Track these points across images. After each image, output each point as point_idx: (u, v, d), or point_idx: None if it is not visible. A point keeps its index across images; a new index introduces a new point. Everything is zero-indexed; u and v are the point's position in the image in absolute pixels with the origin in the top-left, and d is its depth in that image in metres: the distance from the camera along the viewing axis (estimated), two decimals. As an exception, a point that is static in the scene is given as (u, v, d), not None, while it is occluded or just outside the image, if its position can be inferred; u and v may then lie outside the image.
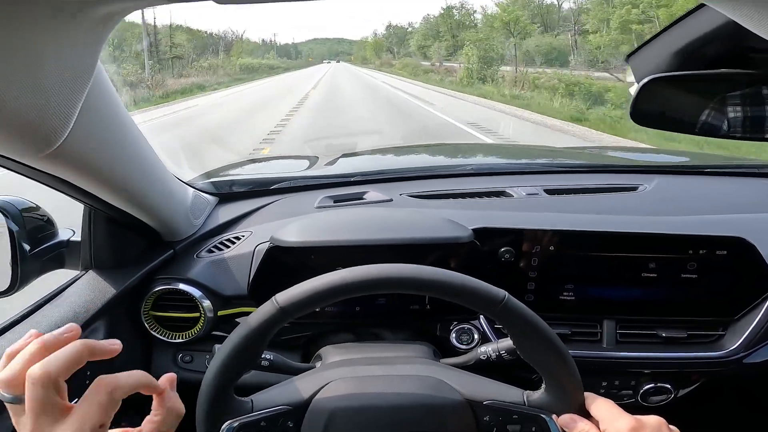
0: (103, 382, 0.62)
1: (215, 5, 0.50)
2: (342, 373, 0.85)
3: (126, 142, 0.86)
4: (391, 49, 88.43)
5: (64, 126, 0.61)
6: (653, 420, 0.70)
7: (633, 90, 0.73)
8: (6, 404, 0.60)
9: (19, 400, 0.58)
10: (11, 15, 0.46)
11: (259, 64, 61.11)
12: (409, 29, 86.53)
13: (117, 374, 0.62)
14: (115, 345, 0.64)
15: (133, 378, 0.63)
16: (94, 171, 0.80)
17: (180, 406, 0.69)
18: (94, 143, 0.75)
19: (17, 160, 0.68)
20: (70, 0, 0.49)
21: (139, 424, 0.68)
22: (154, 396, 0.67)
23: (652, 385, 1.19)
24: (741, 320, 1.16)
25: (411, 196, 1.41)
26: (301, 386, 0.83)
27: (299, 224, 1.18)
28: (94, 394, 0.61)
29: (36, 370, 0.57)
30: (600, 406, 0.75)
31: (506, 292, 0.74)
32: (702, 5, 0.66)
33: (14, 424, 0.60)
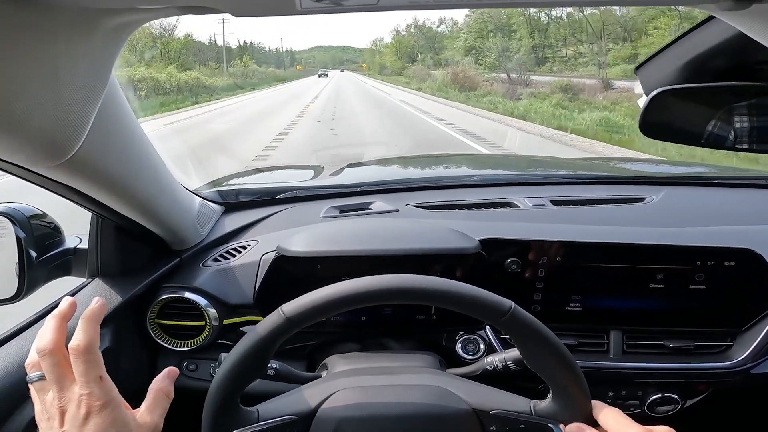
0: None
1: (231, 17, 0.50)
2: (348, 383, 0.85)
3: (136, 152, 0.87)
4: (413, 55, 72.52)
5: (77, 136, 0.62)
6: (662, 430, 0.70)
7: (642, 102, 0.73)
8: (31, 386, 0.65)
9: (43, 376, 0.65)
10: (27, 27, 0.47)
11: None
12: (441, 28, 71.25)
13: None
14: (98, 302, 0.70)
15: None
16: (104, 180, 0.81)
17: (169, 389, 0.73)
18: (106, 153, 0.76)
19: (30, 168, 0.68)
20: (85, 12, 0.50)
21: None
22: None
23: (659, 395, 1.19)
24: (749, 331, 1.16)
25: (417, 207, 1.41)
26: (307, 396, 0.83)
27: (305, 234, 1.18)
28: None
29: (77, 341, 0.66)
30: (608, 415, 0.74)
31: (513, 302, 0.74)
32: (711, 18, 0.66)
33: (40, 408, 0.65)
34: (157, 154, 0.98)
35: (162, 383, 0.73)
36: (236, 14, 0.50)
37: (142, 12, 0.54)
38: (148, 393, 0.72)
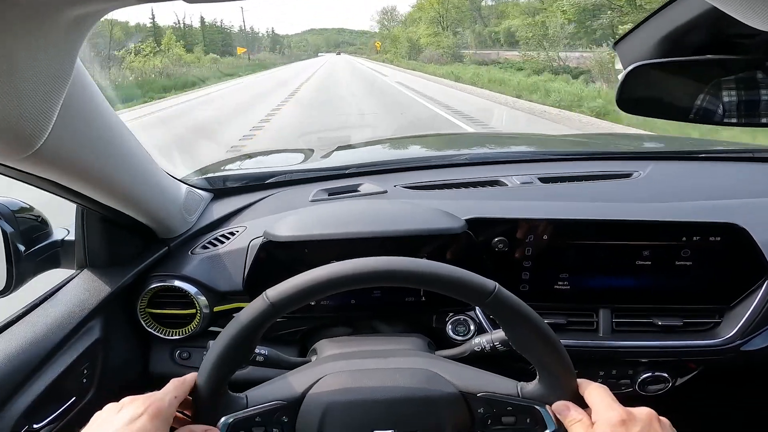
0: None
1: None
2: (336, 367, 0.86)
3: (113, 141, 0.86)
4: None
5: (42, 128, 0.61)
6: (644, 412, 0.70)
7: (620, 77, 0.73)
8: None
9: None
10: None
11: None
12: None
13: None
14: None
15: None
16: (79, 170, 0.80)
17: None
18: (78, 143, 0.75)
19: None
20: (41, 5, 0.49)
21: None
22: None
23: (650, 374, 1.20)
24: (737, 307, 1.16)
25: (405, 188, 1.41)
26: (295, 381, 0.83)
27: (292, 218, 1.18)
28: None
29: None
30: (593, 393, 0.75)
31: (496, 283, 0.74)
32: None
33: None
34: (138, 143, 0.97)
35: (196, 426, 0.76)
36: (190, 1, 0.49)
37: (100, 3, 0.53)
38: (178, 426, 0.75)
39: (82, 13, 0.54)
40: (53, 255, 1.11)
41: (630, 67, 0.71)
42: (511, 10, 38.63)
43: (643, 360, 1.20)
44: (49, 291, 1.06)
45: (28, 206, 1.09)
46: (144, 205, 1.05)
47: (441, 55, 38.68)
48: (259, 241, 1.17)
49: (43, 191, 0.86)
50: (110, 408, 0.72)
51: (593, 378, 0.78)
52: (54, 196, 0.89)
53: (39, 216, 1.11)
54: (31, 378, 0.90)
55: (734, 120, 0.76)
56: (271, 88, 22.78)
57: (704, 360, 1.18)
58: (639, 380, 1.20)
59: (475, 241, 1.16)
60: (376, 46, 70.41)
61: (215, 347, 0.75)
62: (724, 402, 1.42)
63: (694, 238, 1.14)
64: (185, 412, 0.77)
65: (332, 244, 1.13)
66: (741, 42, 0.70)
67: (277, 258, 1.16)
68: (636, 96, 0.75)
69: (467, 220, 1.16)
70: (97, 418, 0.71)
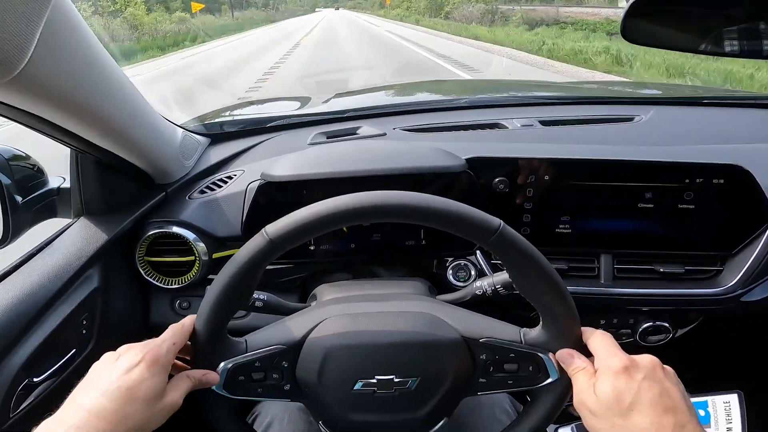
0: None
1: None
2: (336, 311, 0.84)
3: (101, 74, 0.83)
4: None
5: (22, 51, 0.58)
6: (647, 359, 0.69)
7: (625, 5, 0.70)
8: None
9: None
10: None
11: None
12: None
13: None
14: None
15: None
16: (66, 102, 0.76)
17: (198, 379, 0.76)
18: (62, 72, 0.72)
19: None
20: None
21: None
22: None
23: (651, 323, 1.20)
24: (739, 255, 1.15)
25: (405, 130, 1.39)
26: (294, 325, 0.82)
27: (289, 159, 1.16)
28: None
29: None
30: (596, 340, 0.74)
31: (501, 221, 0.72)
32: None
33: None
34: (132, 84, 0.94)
35: (194, 372, 0.75)
36: None
37: None
38: (176, 373, 0.74)
39: None
40: (49, 204, 1.10)
41: None
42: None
43: (644, 308, 1.20)
44: (45, 240, 1.05)
45: (23, 154, 1.07)
46: (138, 146, 1.03)
47: (483, 14, 28.78)
48: (257, 183, 1.15)
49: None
50: (107, 357, 0.71)
51: (594, 326, 0.78)
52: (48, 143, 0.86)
53: (35, 165, 1.09)
54: (29, 330, 0.89)
55: (737, 50, 0.74)
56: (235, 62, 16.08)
57: (705, 309, 1.18)
58: (640, 330, 1.21)
59: (475, 181, 1.15)
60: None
61: (213, 288, 0.73)
62: (724, 353, 1.42)
63: (697, 180, 1.12)
64: (185, 357, 0.77)
65: (331, 183, 1.11)
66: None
67: (275, 200, 1.15)
68: (641, 25, 0.73)
69: (467, 160, 1.14)
70: (95, 368, 0.70)
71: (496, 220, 0.72)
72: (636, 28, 0.72)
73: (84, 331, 1.02)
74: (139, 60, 18.36)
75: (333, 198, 0.72)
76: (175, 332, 0.74)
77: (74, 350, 0.99)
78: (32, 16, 0.57)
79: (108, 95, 0.86)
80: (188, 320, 0.76)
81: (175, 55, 20.13)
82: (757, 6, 0.71)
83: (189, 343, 0.76)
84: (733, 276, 1.14)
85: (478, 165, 1.15)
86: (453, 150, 1.17)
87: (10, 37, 0.55)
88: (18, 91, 0.68)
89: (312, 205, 0.72)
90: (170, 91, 10.50)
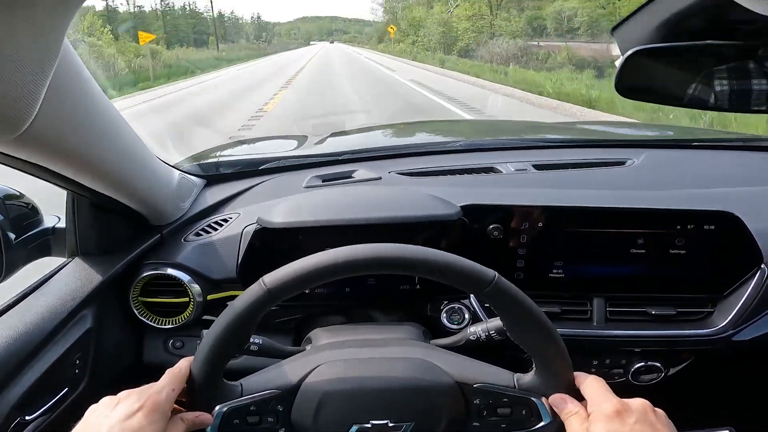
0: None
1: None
2: (331, 356, 0.85)
3: (102, 125, 0.84)
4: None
5: (28, 111, 0.60)
6: (638, 403, 0.71)
7: (618, 63, 0.72)
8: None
9: None
10: None
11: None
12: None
13: None
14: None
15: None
16: (68, 154, 0.78)
17: (191, 421, 0.76)
18: (66, 126, 0.73)
19: None
20: None
21: None
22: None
23: (643, 363, 1.20)
24: (729, 297, 1.16)
25: (400, 174, 1.40)
26: (290, 370, 0.82)
27: (285, 205, 1.17)
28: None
29: None
30: (590, 385, 0.75)
31: (496, 273, 0.74)
32: None
33: None
34: (129, 127, 0.95)
35: (187, 414, 0.75)
36: None
37: None
38: (171, 416, 0.74)
39: None
40: (44, 243, 1.10)
41: (628, 53, 0.70)
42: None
43: (637, 349, 1.20)
44: (39, 280, 1.05)
45: (17, 193, 1.08)
46: (135, 190, 1.04)
47: (518, 50, 23.17)
48: (253, 227, 1.16)
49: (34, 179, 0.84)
50: (106, 403, 0.71)
51: (586, 367, 0.78)
52: (45, 183, 0.87)
53: (29, 203, 1.10)
54: (22, 369, 0.89)
55: (726, 106, 0.76)
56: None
57: (696, 350, 1.19)
58: (632, 369, 1.21)
59: (470, 228, 1.16)
60: (389, 31, 46.93)
61: (211, 334, 0.74)
62: (717, 393, 1.42)
63: (688, 227, 1.14)
64: (180, 398, 0.77)
65: (326, 231, 1.12)
66: (738, 28, 0.70)
67: (271, 245, 1.15)
68: (633, 81, 0.74)
69: (462, 207, 1.15)
70: (93, 412, 0.70)
71: (490, 272, 0.73)
72: (630, 84, 0.74)
73: (77, 371, 1.01)
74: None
75: (331, 250, 0.73)
76: (173, 378, 0.74)
77: (66, 389, 0.98)
78: (39, 76, 0.58)
79: (108, 143, 0.88)
80: (184, 364, 0.77)
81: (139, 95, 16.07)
82: (750, 59, 0.73)
83: (185, 385, 0.76)
84: (724, 317, 1.15)
85: (473, 212, 1.16)
86: (448, 195, 1.18)
87: (16, 98, 0.56)
88: (22, 146, 0.69)
89: (310, 256, 0.73)
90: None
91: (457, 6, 33.19)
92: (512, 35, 25.76)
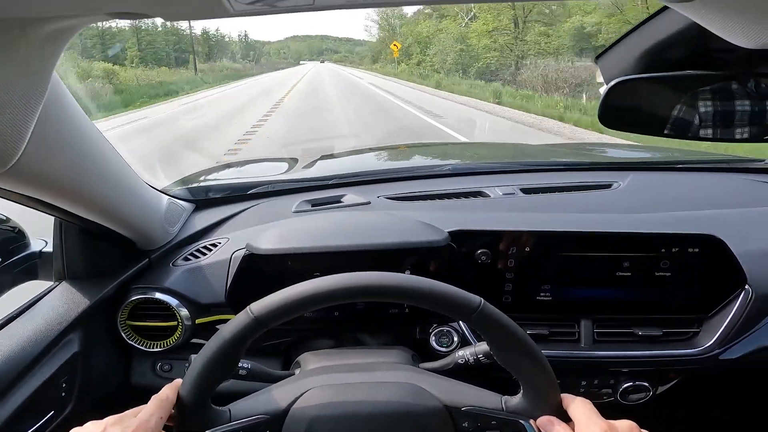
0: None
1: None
2: (320, 381, 0.85)
3: (90, 155, 0.85)
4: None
5: (16, 147, 0.60)
6: (625, 424, 0.71)
7: (602, 91, 0.74)
8: None
9: None
10: None
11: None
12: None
13: None
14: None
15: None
16: (56, 186, 0.79)
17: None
18: (54, 159, 0.74)
19: None
20: (10, 22, 0.48)
21: None
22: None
23: (631, 383, 1.20)
24: (715, 317, 1.18)
25: (388, 198, 1.41)
26: (278, 395, 0.82)
27: (274, 231, 1.17)
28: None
29: None
30: (577, 407, 0.75)
31: (482, 299, 0.74)
32: (665, 8, 0.67)
33: None
34: (117, 154, 0.96)
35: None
36: (168, 19, 0.48)
37: (72, 18, 0.51)
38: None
39: (54, 29, 0.53)
40: (31, 266, 1.10)
41: (612, 83, 0.72)
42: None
43: (624, 370, 1.20)
44: (26, 303, 1.04)
45: (3, 217, 1.08)
46: (124, 217, 1.04)
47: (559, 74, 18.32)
48: (242, 253, 1.16)
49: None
50: (90, 428, 0.70)
51: (575, 388, 0.79)
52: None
53: (15, 227, 1.09)
54: (8, 392, 0.88)
55: (710, 135, 0.77)
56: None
57: (683, 369, 1.20)
58: (620, 390, 1.21)
59: (458, 253, 1.16)
60: (393, 49, 36.87)
61: (198, 361, 0.74)
62: (704, 411, 1.43)
63: (673, 250, 1.15)
64: (167, 423, 0.76)
65: (315, 257, 1.13)
66: (719, 57, 0.72)
67: (259, 270, 1.15)
68: (617, 111, 0.76)
69: (450, 233, 1.16)
70: None
71: (476, 299, 0.74)
72: (613, 114, 0.75)
73: (63, 394, 1.00)
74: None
75: (317, 279, 0.73)
76: (161, 405, 0.73)
77: (52, 412, 0.97)
78: (27, 112, 0.58)
79: (97, 173, 0.88)
80: (171, 390, 0.76)
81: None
82: (730, 89, 0.75)
83: (172, 411, 0.75)
84: (710, 337, 1.16)
85: (461, 237, 1.16)
86: (436, 220, 1.19)
87: (3, 134, 0.56)
88: (10, 181, 0.69)
89: (297, 285, 0.73)
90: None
91: (470, 19, 27.60)
92: (554, 53, 21.22)
